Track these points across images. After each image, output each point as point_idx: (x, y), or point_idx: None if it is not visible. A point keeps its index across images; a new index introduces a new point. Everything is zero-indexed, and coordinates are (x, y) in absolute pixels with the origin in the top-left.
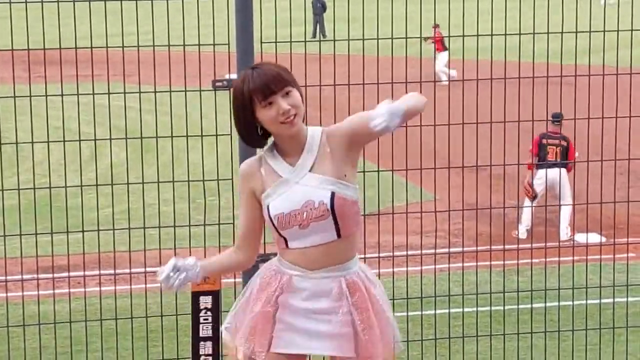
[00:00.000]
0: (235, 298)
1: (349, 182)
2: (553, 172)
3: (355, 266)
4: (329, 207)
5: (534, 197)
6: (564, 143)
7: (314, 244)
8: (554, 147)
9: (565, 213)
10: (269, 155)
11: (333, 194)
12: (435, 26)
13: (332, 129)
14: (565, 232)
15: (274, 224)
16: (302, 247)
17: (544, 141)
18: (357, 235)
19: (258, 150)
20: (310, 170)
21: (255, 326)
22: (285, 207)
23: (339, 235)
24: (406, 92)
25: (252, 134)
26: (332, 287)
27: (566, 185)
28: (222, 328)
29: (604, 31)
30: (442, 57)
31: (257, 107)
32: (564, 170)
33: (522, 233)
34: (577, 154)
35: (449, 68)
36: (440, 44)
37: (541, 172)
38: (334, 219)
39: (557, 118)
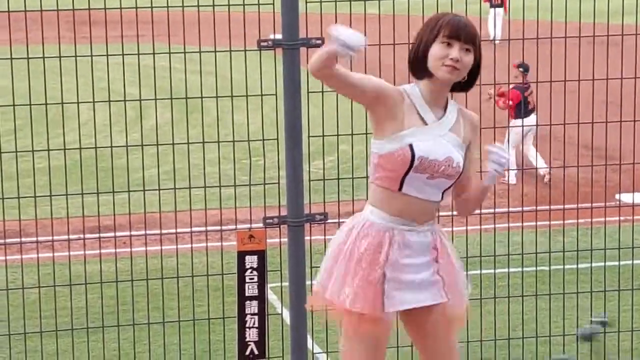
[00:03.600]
0: (280, 258)
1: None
2: (532, 119)
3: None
4: (461, 171)
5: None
6: (532, 90)
7: (426, 197)
8: (531, 96)
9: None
10: (414, 95)
11: (463, 160)
12: None
13: (468, 113)
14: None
15: (412, 164)
16: (414, 196)
17: (525, 93)
18: None
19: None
20: (449, 130)
21: (368, 288)
22: (430, 153)
23: (442, 197)
24: None
25: (417, 62)
26: (430, 241)
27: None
28: (314, 286)
29: None
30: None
31: (437, 39)
32: None
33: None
34: None
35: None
36: None
37: (519, 122)
38: (454, 182)
39: (527, 69)
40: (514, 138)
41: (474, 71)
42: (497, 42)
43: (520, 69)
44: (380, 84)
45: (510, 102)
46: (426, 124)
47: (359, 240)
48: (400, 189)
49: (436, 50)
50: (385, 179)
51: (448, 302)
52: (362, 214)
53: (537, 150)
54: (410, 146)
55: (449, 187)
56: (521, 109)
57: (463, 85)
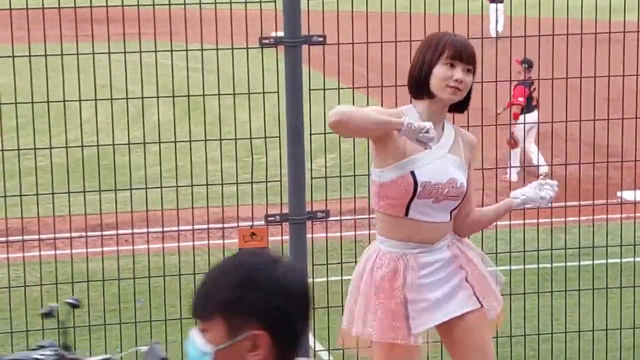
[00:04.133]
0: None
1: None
2: (535, 115)
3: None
4: (465, 190)
5: (515, 145)
6: (535, 86)
7: (434, 220)
8: (535, 91)
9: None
10: (413, 119)
11: (466, 180)
12: None
13: (465, 132)
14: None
15: (415, 191)
16: (420, 220)
17: (530, 88)
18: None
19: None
20: (448, 151)
21: (391, 316)
22: (432, 177)
23: (450, 217)
24: None
25: (420, 81)
26: (449, 255)
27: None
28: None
29: None
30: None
31: (440, 60)
32: None
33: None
34: None
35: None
36: None
37: (528, 117)
38: (460, 202)
39: (530, 64)
40: (518, 134)
41: (469, 92)
42: (498, 34)
43: (524, 65)
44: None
45: (521, 99)
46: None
47: (374, 272)
48: (406, 214)
49: (440, 71)
50: (390, 206)
51: (484, 308)
52: (372, 246)
53: (538, 149)
54: (412, 173)
55: (456, 208)
56: (529, 105)
57: (458, 106)
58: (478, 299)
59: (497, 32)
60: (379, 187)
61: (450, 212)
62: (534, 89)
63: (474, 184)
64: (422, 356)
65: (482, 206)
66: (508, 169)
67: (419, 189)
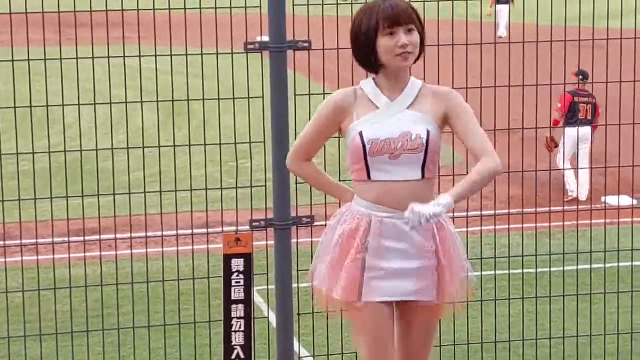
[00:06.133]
0: (267, 261)
1: (439, 128)
2: (585, 130)
3: None
4: (424, 141)
5: (556, 146)
6: (593, 101)
7: (400, 178)
8: (585, 105)
9: (587, 173)
10: (368, 88)
11: (429, 132)
12: None
13: (436, 87)
14: (586, 192)
15: (365, 150)
16: (386, 180)
17: (576, 99)
18: (435, 181)
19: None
20: (408, 108)
21: (347, 276)
22: (381, 134)
23: (423, 176)
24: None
25: (367, 58)
26: (423, 227)
27: (589, 146)
28: (313, 281)
29: None
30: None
31: (379, 33)
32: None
33: (574, 192)
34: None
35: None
36: None
37: (572, 131)
38: (425, 154)
39: (586, 76)
40: (569, 147)
41: (421, 42)
42: (500, 38)
43: (580, 77)
44: (321, 128)
45: (559, 105)
46: (378, 108)
47: (339, 227)
48: (369, 177)
49: (383, 44)
50: (355, 172)
51: (440, 304)
52: (347, 204)
53: (572, 166)
54: (360, 133)
55: (425, 161)
56: (572, 116)
57: None
58: (438, 294)
59: (495, 36)
60: (347, 155)
61: (423, 168)
62: (586, 102)
63: (474, 134)
64: (391, 325)
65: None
66: (568, 186)
67: (367, 146)
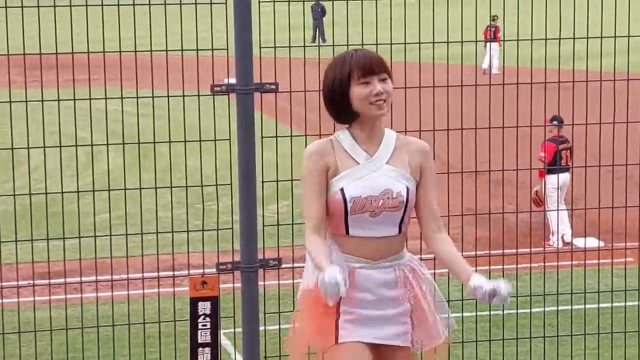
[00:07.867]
0: (234, 303)
1: (415, 183)
2: (566, 176)
3: (407, 255)
4: (404, 199)
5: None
6: (570, 145)
7: (378, 235)
8: (566, 151)
9: (566, 216)
10: (344, 140)
11: (408, 189)
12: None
13: (412, 140)
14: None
15: (346, 207)
16: (363, 237)
17: (560, 147)
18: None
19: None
20: (387, 162)
21: (321, 324)
22: (363, 192)
23: (399, 231)
24: (405, 96)
25: (340, 108)
26: (393, 277)
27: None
28: (290, 327)
29: (601, 37)
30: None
31: (353, 82)
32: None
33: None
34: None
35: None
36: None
37: (554, 178)
38: (404, 212)
39: (560, 121)
40: (551, 196)
41: None
42: (494, 72)
43: (554, 122)
44: (319, 184)
45: (543, 154)
46: (358, 164)
47: (314, 274)
48: (347, 232)
49: (357, 92)
50: (333, 224)
51: (411, 349)
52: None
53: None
54: (342, 190)
55: (403, 218)
56: (554, 163)
57: None
58: (412, 340)
59: (484, 70)
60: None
61: (400, 225)
62: (565, 148)
63: (433, 194)
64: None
65: None
66: (550, 234)
67: (349, 204)
